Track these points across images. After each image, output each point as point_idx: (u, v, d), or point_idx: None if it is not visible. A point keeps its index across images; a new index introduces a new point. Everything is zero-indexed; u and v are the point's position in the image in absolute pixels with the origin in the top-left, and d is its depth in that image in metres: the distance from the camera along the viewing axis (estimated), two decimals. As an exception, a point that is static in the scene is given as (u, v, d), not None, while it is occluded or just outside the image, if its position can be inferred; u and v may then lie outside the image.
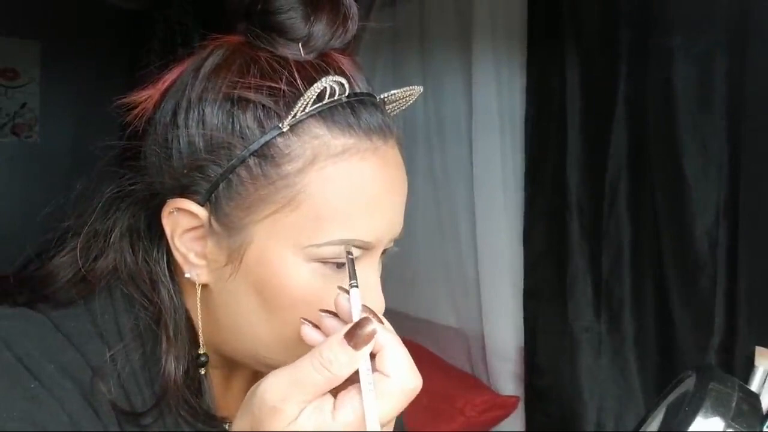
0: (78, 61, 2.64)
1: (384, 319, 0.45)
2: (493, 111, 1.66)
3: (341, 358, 0.39)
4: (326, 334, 0.44)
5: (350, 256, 0.46)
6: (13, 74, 2.61)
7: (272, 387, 0.39)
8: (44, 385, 0.44)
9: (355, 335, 0.39)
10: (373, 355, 0.40)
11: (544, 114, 1.52)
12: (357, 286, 0.44)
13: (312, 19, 0.48)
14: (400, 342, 0.41)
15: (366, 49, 2.02)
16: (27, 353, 0.45)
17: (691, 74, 1.16)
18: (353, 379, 0.40)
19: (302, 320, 0.45)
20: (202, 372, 0.52)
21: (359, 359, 0.39)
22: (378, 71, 2.01)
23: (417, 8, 1.91)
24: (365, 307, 0.43)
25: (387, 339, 0.41)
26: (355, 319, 0.41)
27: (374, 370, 0.40)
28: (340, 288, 0.44)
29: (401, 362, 0.40)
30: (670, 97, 1.18)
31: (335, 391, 0.40)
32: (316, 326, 0.45)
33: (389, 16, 1.99)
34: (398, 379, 0.40)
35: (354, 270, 0.45)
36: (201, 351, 0.52)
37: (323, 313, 0.44)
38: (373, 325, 0.40)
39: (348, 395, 0.39)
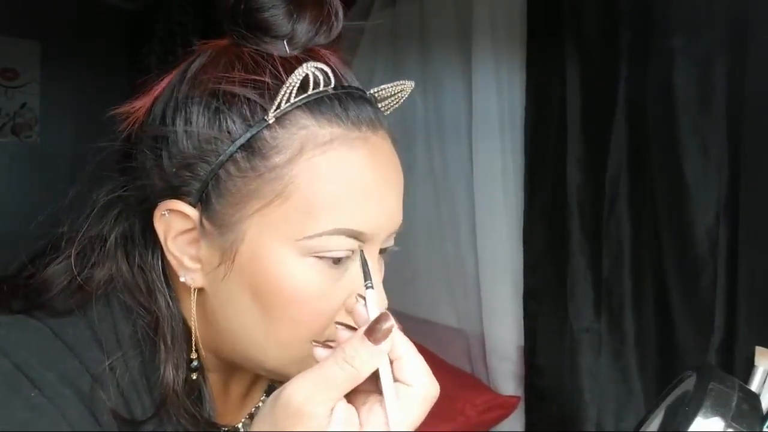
0: (78, 61, 2.64)
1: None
2: (493, 111, 1.66)
3: (363, 353, 0.40)
4: None
5: (364, 255, 0.46)
6: (13, 74, 2.61)
7: (297, 390, 0.39)
8: (45, 394, 0.43)
9: (374, 330, 0.40)
10: (390, 362, 0.41)
11: (544, 114, 1.51)
12: (372, 287, 0.44)
13: (295, 16, 0.48)
14: (416, 350, 0.42)
15: (366, 49, 2.02)
16: (26, 361, 0.44)
17: (691, 74, 1.16)
18: (375, 390, 0.41)
19: (313, 343, 0.45)
20: (194, 377, 0.52)
21: (380, 354, 0.40)
22: (378, 71, 2.00)
23: (417, 8, 1.90)
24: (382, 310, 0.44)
25: (405, 348, 0.42)
26: (372, 317, 0.42)
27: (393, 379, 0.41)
28: (359, 296, 0.45)
29: (421, 371, 0.41)
30: (670, 97, 1.18)
31: (355, 402, 0.41)
32: (327, 345, 0.45)
33: (389, 16, 1.98)
34: (420, 388, 0.41)
35: (368, 270, 0.45)
36: (193, 356, 0.51)
37: (339, 326, 0.45)
38: (392, 321, 0.41)
39: (371, 409, 0.40)
